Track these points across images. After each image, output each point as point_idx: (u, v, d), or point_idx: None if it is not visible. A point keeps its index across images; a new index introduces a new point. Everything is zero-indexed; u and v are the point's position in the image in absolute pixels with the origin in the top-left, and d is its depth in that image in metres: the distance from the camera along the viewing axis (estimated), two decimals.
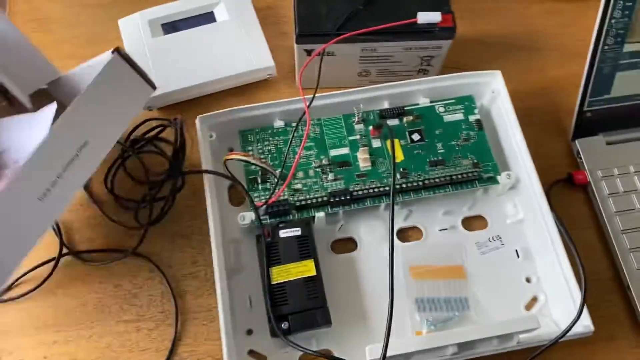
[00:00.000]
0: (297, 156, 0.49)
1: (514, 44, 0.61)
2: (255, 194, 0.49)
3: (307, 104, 0.48)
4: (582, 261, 0.46)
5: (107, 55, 0.41)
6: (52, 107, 0.40)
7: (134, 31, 0.57)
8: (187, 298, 0.49)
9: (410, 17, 0.50)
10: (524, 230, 0.51)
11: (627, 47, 0.50)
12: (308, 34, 0.50)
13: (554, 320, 0.47)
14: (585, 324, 0.44)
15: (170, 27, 0.58)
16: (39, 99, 0.46)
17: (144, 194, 0.50)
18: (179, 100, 0.56)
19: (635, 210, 0.51)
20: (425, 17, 0.50)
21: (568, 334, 0.44)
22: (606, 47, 0.50)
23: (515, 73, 0.59)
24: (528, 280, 0.49)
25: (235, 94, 0.57)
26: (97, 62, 0.43)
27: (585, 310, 0.44)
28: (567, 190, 0.54)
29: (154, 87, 0.45)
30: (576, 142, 0.54)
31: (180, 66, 0.56)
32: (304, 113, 0.48)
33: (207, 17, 0.58)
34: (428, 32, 0.50)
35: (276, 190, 0.48)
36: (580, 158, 0.54)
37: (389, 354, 0.40)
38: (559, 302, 0.47)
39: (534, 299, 0.49)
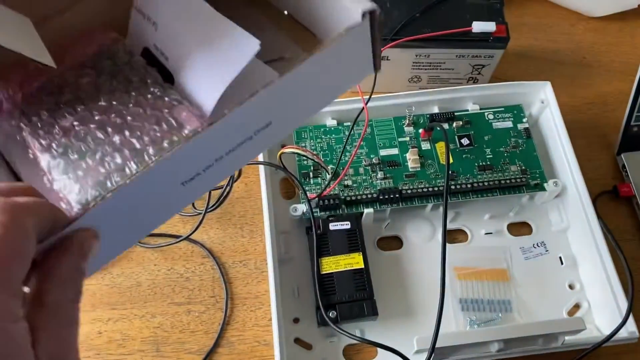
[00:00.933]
0: (352, 153, 0.51)
1: (560, 59, 0.63)
2: (307, 188, 0.51)
3: (365, 102, 0.49)
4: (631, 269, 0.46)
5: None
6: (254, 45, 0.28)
7: None
8: (237, 285, 0.51)
9: (466, 26, 0.52)
10: (569, 238, 0.52)
11: None
12: None
13: (597, 327, 0.48)
14: (631, 330, 0.44)
15: None
16: None
17: None
18: None
19: None
20: (479, 27, 0.52)
21: (613, 339, 0.44)
22: None
23: (561, 87, 0.60)
24: (571, 287, 0.50)
25: None
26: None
27: (631, 317, 0.44)
28: (611, 202, 0.55)
29: (378, 68, 0.30)
30: (622, 155, 0.55)
31: None
32: (360, 112, 0.50)
33: None
34: (482, 40, 0.52)
35: (330, 184, 0.50)
36: (626, 171, 0.55)
37: (438, 345, 0.41)
38: (602, 310, 0.48)
39: (577, 306, 0.49)
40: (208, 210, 0.51)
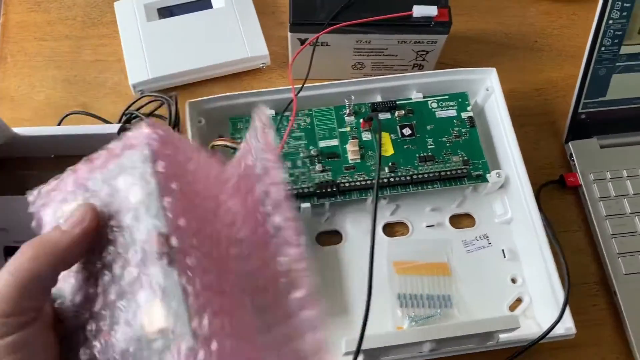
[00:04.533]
0: (280, 144, 0.49)
1: (511, 43, 0.61)
2: None
3: (295, 93, 0.47)
4: (568, 263, 0.45)
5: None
6: None
7: (129, 14, 0.57)
8: None
9: (407, 10, 0.50)
10: (512, 230, 0.50)
11: (624, 49, 0.50)
12: (302, 22, 0.50)
13: (538, 322, 0.47)
14: (568, 326, 0.43)
15: (166, 11, 0.58)
16: None
17: None
18: (172, 85, 0.56)
19: (625, 214, 0.51)
20: (420, 11, 0.49)
21: (550, 336, 0.43)
22: (603, 49, 0.49)
23: (511, 73, 0.59)
24: (513, 280, 0.49)
25: (229, 82, 0.57)
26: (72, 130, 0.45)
27: (567, 313, 0.43)
28: (558, 192, 0.53)
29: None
30: (570, 144, 0.54)
31: (174, 51, 0.55)
32: (291, 102, 0.47)
33: (204, 4, 0.58)
34: (423, 25, 0.50)
35: None
36: (573, 160, 0.53)
37: (365, 346, 0.39)
38: (543, 304, 0.47)
39: (519, 300, 0.48)
40: None
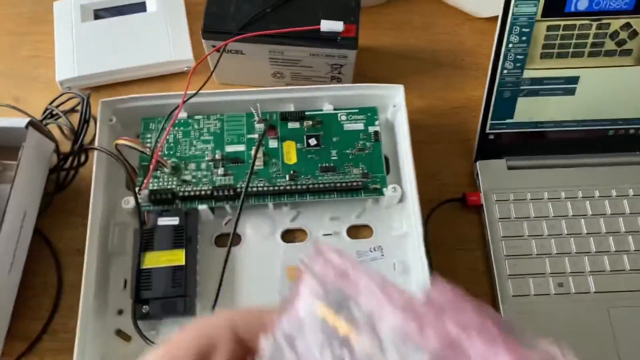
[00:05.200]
0: (161, 140, 0.51)
1: (437, 60, 0.61)
2: (146, 181, 0.51)
3: (186, 98, 0.49)
4: (452, 280, 0.46)
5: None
6: None
7: (66, 14, 0.60)
8: (70, 273, 0.51)
9: (315, 24, 0.51)
10: (406, 245, 0.51)
11: (528, 73, 0.50)
12: (213, 30, 0.52)
13: None
14: None
15: (102, 12, 0.60)
16: None
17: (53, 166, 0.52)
18: (98, 84, 0.58)
19: (522, 237, 0.51)
20: (327, 26, 0.51)
21: None
22: (505, 71, 0.50)
23: (433, 89, 0.59)
24: None
25: (155, 84, 0.59)
26: None
27: None
28: (459, 211, 0.54)
29: (55, 141, 0.52)
30: (477, 163, 0.54)
31: (103, 51, 0.58)
32: (175, 109, 0.49)
33: (139, 7, 0.60)
34: (331, 40, 0.51)
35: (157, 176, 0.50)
36: (478, 180, 0.54)
37: None
38: None
39: None
40: (54, 193, 0.52)
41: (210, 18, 0.52)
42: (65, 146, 0.54)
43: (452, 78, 0.60)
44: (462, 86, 0.60)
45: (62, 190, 0.52)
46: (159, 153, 0.51)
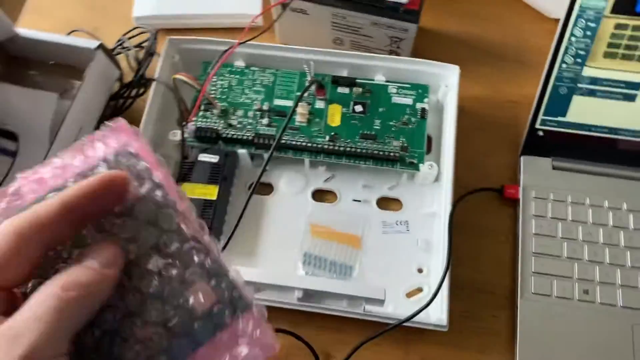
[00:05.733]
0: (209, 76, 0.53)
1: (501, 53, 0.61)
2: (194, 118, 0.53)
3: (240, 42, 0.51)
4: (452, 263, 0.45)
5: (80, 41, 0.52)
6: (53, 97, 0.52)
7: None
8: None
9: None
10: (433, 224, 0.51)
11: (587, 71, 0.49)
12: None
13: (428, 314, 0.47)
14: (440, 317, 0.44)
15: None
16: None
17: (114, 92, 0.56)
18: (169, 26, 0.61)
19: (555, 237, 0.50)
20: None
21: (423, 324, 0.44)
22: (564, 65, 0.49)
23: (491, 81, 0.59)
24: (420, 270, 0.50)
25: (220, 33, 0.61)
26: (60, 39, 0.53)
27: (444, 307, 0.44)
28: (496, 202, 0.53)
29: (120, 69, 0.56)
30: (522, 157, 0.53)
31: None
32: (222, 54, 0.51)
33: None
34: (393, 10, 0.52)
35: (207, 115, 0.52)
36: (520, 174, 0.53)
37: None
38: (439, 300, 0.47)
39: (419, 290, 0.49)
40: (112, 117, 0.55)
41: None
42: (130, 77, 0.57)
43: (511, 73, 0.59)
44: (521, 83, 0.59)
45: (116, 115, 0.55)
46: (211, 93, 0.53)
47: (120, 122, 0.28)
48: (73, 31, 0.60)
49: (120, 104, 0.55)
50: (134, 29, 0.58)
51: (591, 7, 0.46)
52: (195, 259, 0.26)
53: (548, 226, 0.50)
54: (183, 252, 0.26)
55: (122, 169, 0.26)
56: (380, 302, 0.43)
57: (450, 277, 0.45)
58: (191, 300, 0.25)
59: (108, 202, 0.25)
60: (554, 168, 0.53)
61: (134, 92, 0.55)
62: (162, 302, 0.25)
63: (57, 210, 0.24)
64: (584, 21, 0.46)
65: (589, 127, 0.51)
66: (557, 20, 0.61)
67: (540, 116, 0.52)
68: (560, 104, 0.51)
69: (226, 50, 0.52)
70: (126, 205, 0.26)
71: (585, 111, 0.51)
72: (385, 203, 0.53)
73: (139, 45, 0.58)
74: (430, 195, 0.52)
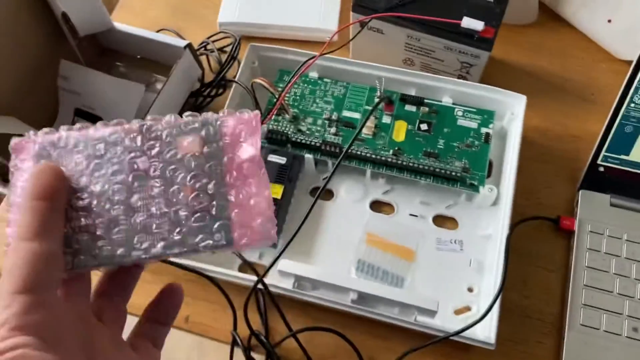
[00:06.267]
0: (290, 83, 0.56)
1: (567, 88, 0.62)
2: (268, 122, 0.56)
3: (321, 53, 0.54)
4: (525, 294, 0.47)
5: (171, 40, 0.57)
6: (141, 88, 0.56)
7: None
8: None
9: (458, 18, 0.54)
10: (487, 246, 0.52)
11: None
12: (363, 5, 0.56)
13: (476, 332, 0.48)
14: (488, 335, 0.45)
15: None
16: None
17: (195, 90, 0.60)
18: (249, 33, 0.65)
19: (607, 272, 0.50)
20: (468, 22, 0.53)
21: (469, 339, 0.45)
22: (632, 105, 0.50)
23: (555, 114, 0.60)
24: (470, 289, 0.51)
25: (297, 45, 0.64)
26: (152, 35, 0.57)
27: (494, 325, 0.45)
28: (551, 232, 0.54)
29: (202, 69, 0.60)
30: (580, 191, 0.54)
31: (263, 6, 0.65)
32: (303, 63, 0.54)
33: None
34: (468, 37, 0.54)
35: (280, 120, 0.55)
36: (577, 207, 0.54)
37: (298, 272, 0.45)
38: (487, 320, 0.48)
39: (467, 308, 0.50)
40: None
41: None
42: (208, 77, 0.61)
43: (576, 109, 0.60)
44: (585, 118, 0.60)
45: (195, 111, 0.58)
46: (285, 100, 0.56)
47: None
48: (161, 30, 0.64)
49: (199, 102, 0.59)
50: (218, 33, 0.62)
51: None
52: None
53: (602, 260, 0.51)
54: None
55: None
56: (432, 313, 0.45)
57: (500, 299, 0.46)
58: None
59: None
60: (611, 205, 0.53)
61: (213, 92, 0.58)
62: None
63: None
64: None
65: None
66: (625, 62, 0.62)
67: (603, 152, 0.53)
68: (624, 142, 0.52)
69: (307, 61, 0.54)
70: None
71: None
72: (441, 221, 0.54)
73: (221, 49, 0.62)
74: (487, 218, 0.53)
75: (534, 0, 0.64)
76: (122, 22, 0.60)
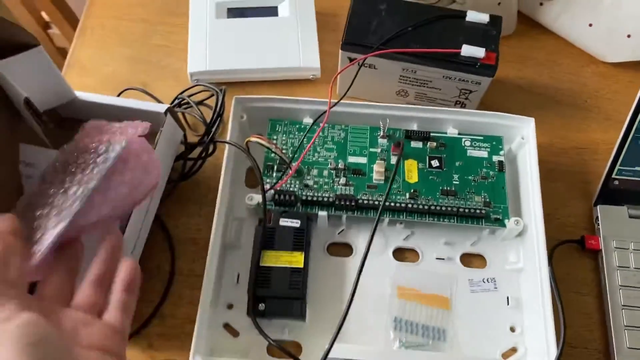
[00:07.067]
0: (306, 149, 0.52)
1: (560, 99, 0.61)
2: (268, 180, 0.51)
3: (331, 105, 0.50)
4: (567, 325, 0.45)
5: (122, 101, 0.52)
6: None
7: (201, 9, 0.61)
8: (183, 260, 0.52)
9: (456, 47, 0.51)
10: (520, 280, 0.50)
11: None
12: (353, 43, 0.52)
13: None
14: None
15: (235, 12, 0.62)
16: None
17: (180, 152, 0.53)
18: (225, 80, 0.59)
19: None
20: (469, 50, 0.51)
21: None
22: None
23: (554, 127, 0.59)
24: (512, 329, 0.49)
25: (278, 87, 0.60)
26: (122, 102, 0.51)
27: None
28: (577, 253, 0.53)
29: (183, 130, 0.52)
30: (598, 207, 0.53)
31: (234, 49, 0.59)
32: (320, 115, 0.50)
33: (271, 11, 0.62)
34: (470, 65, 0.51)
35: (283, 178, 0.50)
36: (598, 224, 0.53)
37: (345, 355, 0.41)
38: (536, 358, 0.46)
39: (513, 350, 0.48)
40: (180, 179, 0.53)
41: (352, 30, 0.53)
42: (190, 136, 0.55)
43: (574, 119, 0.60)
44: (585, 128, 0.59)
45: (187, 178, 0.52)
46: (283, 152, 0.51)
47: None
48: (125, 90, 0.58)
49: (189, 169, 0.53)
50: (195, 85, 0.56)
51: None
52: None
53: (633, 277, 0.50)
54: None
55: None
56: None
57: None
58: None
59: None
60: (630, 217, 0.53)
61: (203, 154, 0.53)
62: None
63: None
64: None
65: None
66: (611, 64, 0.62)
67: (618, 166, 0.52)
68: (638, 155, 0.51)
69: (320, 116, 0.51)
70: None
71: None
72: (469, 260, 0.52)
73: (200, 102, 0.56)
74: (515, 250, 0.51)
75: (512, 10, 0.62)
76: (75, 83, 0.52)
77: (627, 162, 0.52)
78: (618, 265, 0.51)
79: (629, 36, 0.59)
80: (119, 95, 0.58)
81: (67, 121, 0.55)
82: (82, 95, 0.51)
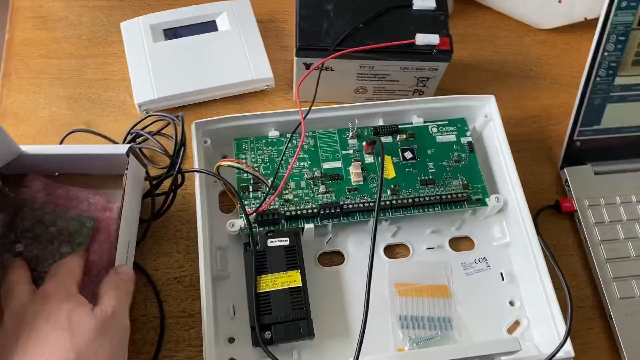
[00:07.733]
0: (289, 166, 0.50)
1: (507, 71, 0.62)
2: (246, 202, 0.49)
3: (303, 115, 0.48)
4: (562, 286, 0.46)
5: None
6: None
7: (136, 35, 0.58)
8: (171, 303, 0.49)
9: (410, 37, 0.51)
10: (510, 253, 0.51)
11: (619, 80, 0.51)
12: (308, 47, 0.51)
13: (536, 345, 0.48)
14: (567, 349, 0.44)
15: (172, 33, 0.58)
16: None
17: (146, 190, 0.50)
18: (177, 105, 0.56)
19: (619, 240, 0.52)
20: (423, 39, 0.51)
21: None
22: (598, 79, 0.51)
23: (507, 100, 0.60)
24: (512, 303, 0.50)
25: (233, 103, 0.58)
26: (76, 150, 0.48)
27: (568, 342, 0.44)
28: (553, 217, 0.55)
29: (145, 166, 0.49)
30: (565, 170, 0.55)
31: (179, 72, 0.56)
32: (299, 124, 0.48)
33: (209, 26, 0.59)
34: (426, 53, 0.51)
35: (267, 199, 0.48)
36: (568, 186, 0.55)
37: None
38: (541, 327, 0.48)
39: (517, 323, 0.49)
40: (153, 218, 0.49)
41: (304, 35, 0.51)
42: (152, 170, 0.52)
43: (523, 88, 0.61)
44: (535, 96, 0.61)
45: (160, 216, 0.49)
46: (257, 171, 0.49)
47: None
48: (70, 133, 0.53)
49: (161, 208, 0.50)
50: (147, 117, 0.53)
51: (621, 22, 0.48)
52: None
53: (610, 230, 0.53)
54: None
55: None
56: (515, 352, 0.43)
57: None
58: None
59: None
60: (595, 173, 0.55)
61: (173, 187, 0.50)
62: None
63: None
64: (615, 36, 0.49)
65: (622, 130, 0.54)
66: (547, 31, 0.64)
67: (578, 128, 0.54)
68: (595, 114, 0.53)
69: (296, 128, 0.49)
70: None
71: (618, 116, 0.54)
72: (457, 244, 0.52)
73: (157, 132, 0.53)
74: (498, 226, 0.52)
75: None
76: (10, 133, 0.47)
77: (586, 122, 0.54)
78: (595, 222, 0.53)
79: (560, 1, 0.61)
80: (62, 141, 0.54)
81: (12, 178, 0.50)
82: (28, 148, 0.47)
